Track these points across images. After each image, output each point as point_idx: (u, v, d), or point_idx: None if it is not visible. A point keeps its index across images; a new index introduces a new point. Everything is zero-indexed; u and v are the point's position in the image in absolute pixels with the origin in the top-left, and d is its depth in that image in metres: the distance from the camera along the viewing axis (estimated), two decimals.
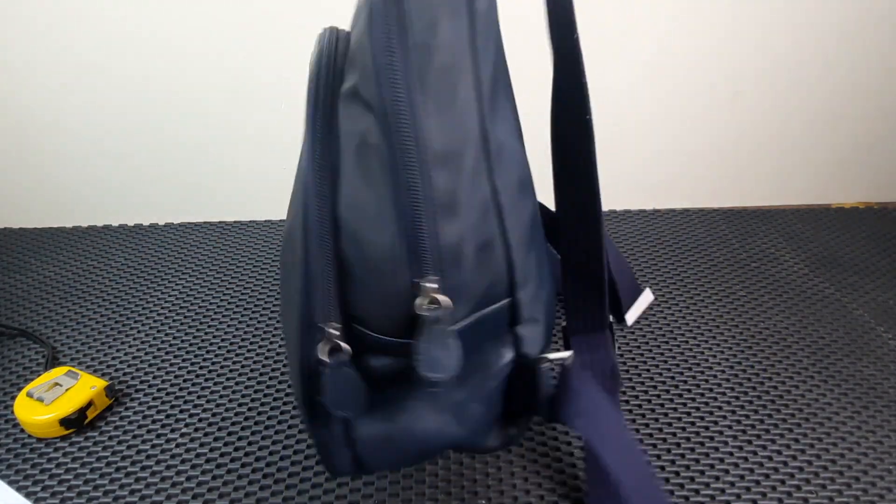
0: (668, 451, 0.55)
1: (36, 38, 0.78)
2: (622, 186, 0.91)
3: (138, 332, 0.70)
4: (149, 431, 0.57)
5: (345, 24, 0.78)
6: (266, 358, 0.66)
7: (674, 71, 0.83)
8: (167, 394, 0.61)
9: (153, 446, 0.56)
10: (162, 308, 0.73)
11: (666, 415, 0.59)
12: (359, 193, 0.39)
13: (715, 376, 0.63)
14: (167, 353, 0.67)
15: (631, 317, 0.69)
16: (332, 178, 0.40)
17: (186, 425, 0.58)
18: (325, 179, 0.40)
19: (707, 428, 0.57)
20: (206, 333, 0.69)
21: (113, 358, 0.66)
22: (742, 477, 0.53)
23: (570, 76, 0.47)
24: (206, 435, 0.57)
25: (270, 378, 0.63)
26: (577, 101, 0.48)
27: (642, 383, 0.62)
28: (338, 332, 0.41)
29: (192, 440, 0.57)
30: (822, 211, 0.91)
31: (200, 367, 0.65)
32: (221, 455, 0.55)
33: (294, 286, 0.41)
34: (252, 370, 0.64)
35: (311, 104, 0.40)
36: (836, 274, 0.78)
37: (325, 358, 0.41)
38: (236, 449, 0.56)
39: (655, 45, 0.82)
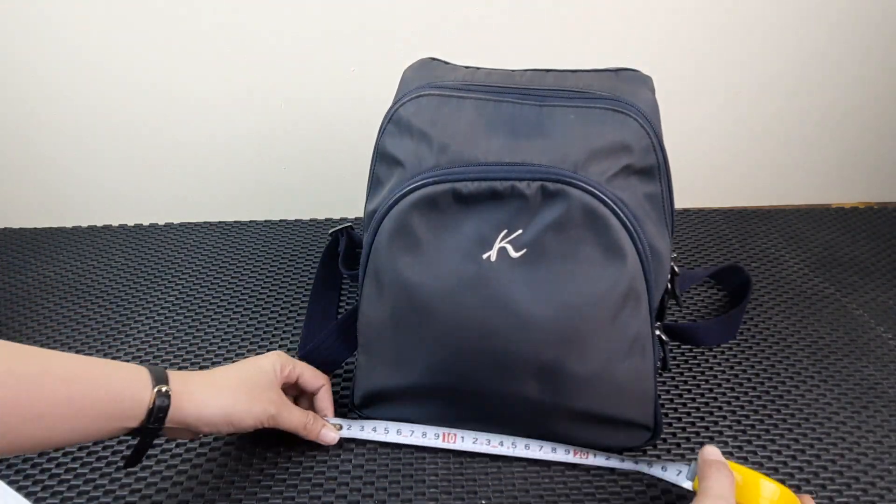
0: (669, 451, 0.55)
1: (37, 39, 0.78)
2: None
3: (138, 332, 0.70)
4: None
5: (340, 25, 0.78)
6: None
7: (674, 71, 0.83)
8: None
9: (153, 446, 0.56)
10: (162, 308, 0.73)
11: (666, 415, 0.59)
12: None
13: (715, 376, 0.63)
14: (167, 353, 0.67)
15: None
16: None
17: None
18: None
19: (707, 428, 0.57)
20: (206, 333, 0.69)
21: (113, 358, 0.66)
22: None
23: None
24: (206, 434, 0.57)
25: None
26: None
27: None
28: None
29: (192, 440, 0.57)
30: (822, 211, 0.91)
31: (200, 367, 0.65)
32: (222, 455, 0.55)
33: None
34: None
35: None
36: (836, 274, 0.78)
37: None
38: (237, 448, 0.56)
39: (655, 45, 0.82)
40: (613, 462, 0.54)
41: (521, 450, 0.54)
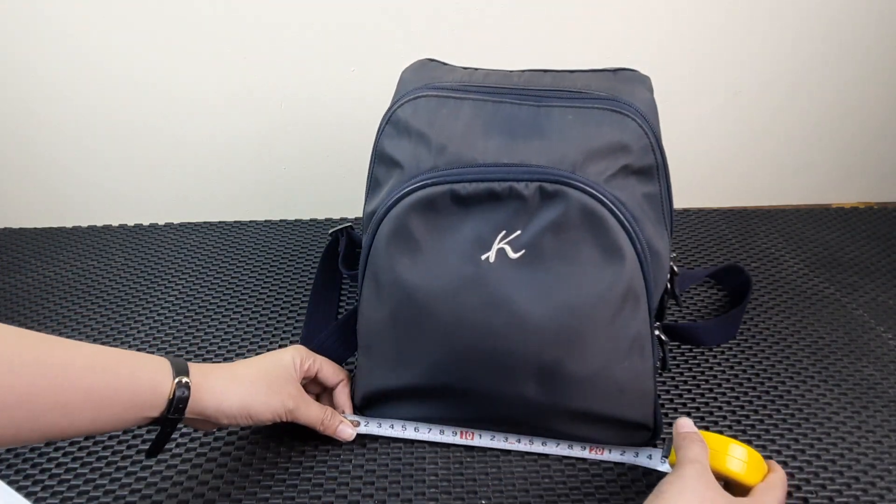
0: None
1: (37, 39, 0.78)
2: None
3: (138, 332, 0.70)
4: (149, 431, 0.57)
5: (340, 26, 0.78)
6: None
7: (674, 71, 0.83)
8: None
9: None
10: (162, 308, 0.73)
11: (666, 415, 0.59)
12: None
13: (715, 376, 0.63)
14: (167, 353, 0.67)
15: None
16: None
17: (186, 425, 0.58)
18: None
19: (707, 428, 0.57)
20: (206, 333, 0.69)
21: None
22: None
23: None
24: (206, 434, 0.57)
25: None
26: None
27: None
28: None
29: (192, 440, 0.57)
30: (822, 211, 0.91)
31: None
32: (222, 455, 0.55)
33: None
34: None
35: None
36: (836, 274, 0.78)
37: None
38: (237, 448, 0.56)
39: (655, 45, 0.82)
40: (627, 457, 0.54)
41: (538, 446, 0.54)
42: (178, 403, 0.44)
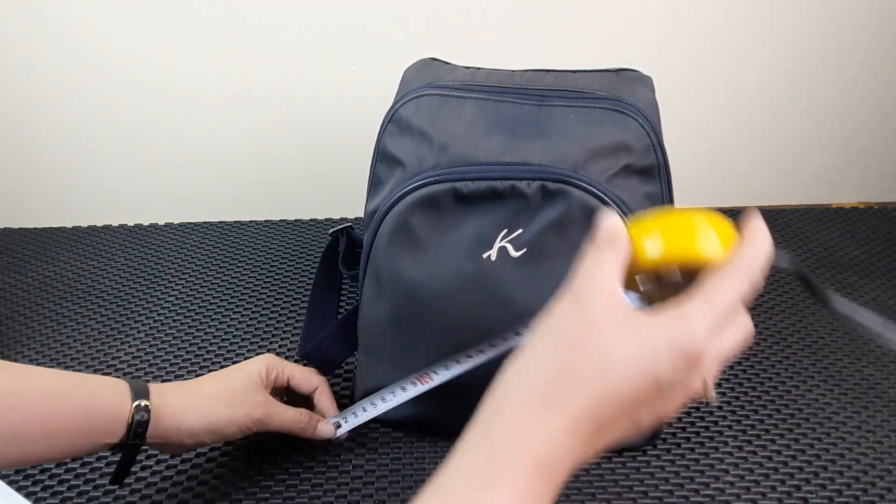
0: (668, 451, 0.55)
1: (37, 39, 0.78)
2: None
3: (138, 332, 0.70)
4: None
5: (340, 25, 0.78)
6: None
7: (674, 71, 0.83)
8: None
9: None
10: (162, 308, 0.73)
11: None
12: None
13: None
14: (167, 353, 0.67)
15: None
16: None
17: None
18: None
19: (707, 428, 0.57)
20: (206, 333, 0.69)
21: (113, 358, 0.66)
22: (742, 477, 0.53)
23: None
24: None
25: None
26: None
27: None
28: None
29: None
30: (822, 211, 0.91)
31: (200, 367, 0.65)
32: (222, 454, 0.55)
33: None
34: None
35: None
36: (836, 274, 0.78)
37: None
38: (237, 448, 0.56)
39: (655, 45, 0.82)
40: None
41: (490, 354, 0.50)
42: (137, 428, 0.43)
